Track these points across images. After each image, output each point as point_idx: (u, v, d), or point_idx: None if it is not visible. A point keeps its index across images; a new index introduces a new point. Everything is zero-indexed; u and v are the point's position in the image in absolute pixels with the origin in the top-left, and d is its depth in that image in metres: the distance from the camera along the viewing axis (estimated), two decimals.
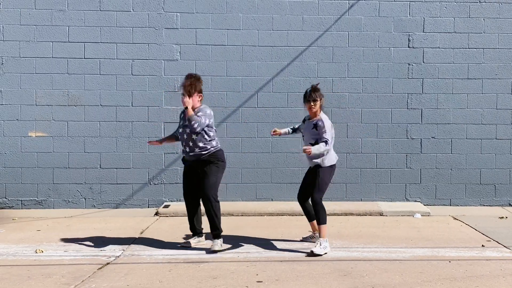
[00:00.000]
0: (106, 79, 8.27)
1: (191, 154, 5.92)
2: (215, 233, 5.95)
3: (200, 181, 5.94)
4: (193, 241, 6.14)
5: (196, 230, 6.20)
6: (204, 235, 6.27)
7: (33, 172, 8.28)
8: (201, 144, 5.88)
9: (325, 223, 5.82)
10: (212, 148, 5.95)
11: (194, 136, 5.87)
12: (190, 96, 5.87)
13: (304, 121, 6.15)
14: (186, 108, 5.83)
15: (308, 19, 8.34)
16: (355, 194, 8.46)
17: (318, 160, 5.85)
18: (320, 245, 5.71)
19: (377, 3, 8.34)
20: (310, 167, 6.07)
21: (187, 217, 6.24)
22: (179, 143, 6.12)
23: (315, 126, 5.85)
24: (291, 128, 6.38)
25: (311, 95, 5.86)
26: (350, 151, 8.40)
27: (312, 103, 5.87)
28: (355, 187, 8.45)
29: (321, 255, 5.64)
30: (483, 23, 8.41)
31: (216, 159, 5.97)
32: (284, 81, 8.36)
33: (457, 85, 8.43)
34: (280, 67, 8.34)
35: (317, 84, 6.03)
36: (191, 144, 5.89)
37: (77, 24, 8.23)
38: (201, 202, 6.05)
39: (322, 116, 5.93)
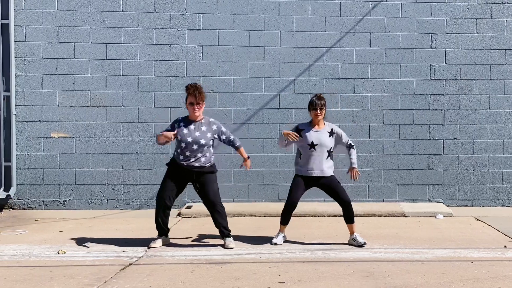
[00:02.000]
0: (128, 80, 8.28)
1: (196, 164, 5.99)
2: (228, 232, 6.12)
3: (205, 189, 6.05)
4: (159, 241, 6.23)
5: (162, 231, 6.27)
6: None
7: (56, 173, 8.29)
8: (208, 155, 6.07)
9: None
10: (212, 158, 6.16)
11: (205, 148, 6.01)
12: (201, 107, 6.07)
13: (298, 130, 6.18)
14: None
15: (331, 19, 8.34)
16: (378, 195, 8.45)
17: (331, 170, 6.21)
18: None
19: (399, 4, 8.34)
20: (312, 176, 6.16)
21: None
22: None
23: (331, 133, 6.14)
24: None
25: (318, 103, 6.09)
26: (373, 152, 8.40)
27: (319, 111, 6.07)
28: (377, 188, 8.44)
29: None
30: (505, 24, 8.40)
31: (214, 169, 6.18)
32: (307, 82, 8.36)
33: (479, 86, 8.42)
34: (303, 68, 8.34)
35: (320, 94, 6.26)
36: (199, 155, 5.98)
37: (99, 25, 8.23)
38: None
39: (328, 123, 6.24)
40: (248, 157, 6.31)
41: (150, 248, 6.00)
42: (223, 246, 6.06)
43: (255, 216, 7.81)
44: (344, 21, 8.35)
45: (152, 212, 8.00)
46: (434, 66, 8.40)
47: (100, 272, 5.10)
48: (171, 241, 6.33)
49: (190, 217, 7.76)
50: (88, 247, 6.07)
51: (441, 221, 7.59)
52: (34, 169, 8.27)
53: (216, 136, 6.10)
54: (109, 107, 8.28)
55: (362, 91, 8.36)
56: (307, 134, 6.10)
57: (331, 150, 6.14)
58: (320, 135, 6.08)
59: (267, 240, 6.39)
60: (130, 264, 5.37)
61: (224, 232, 6.09)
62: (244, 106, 8.30)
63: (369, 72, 8.38)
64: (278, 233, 6.30)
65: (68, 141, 8.29)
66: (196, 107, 5.98)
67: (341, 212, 6.23)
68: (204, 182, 6.02)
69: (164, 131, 6.10)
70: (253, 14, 8.30)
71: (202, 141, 5.94)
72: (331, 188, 6.14)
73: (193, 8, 8.27)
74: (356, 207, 7.80)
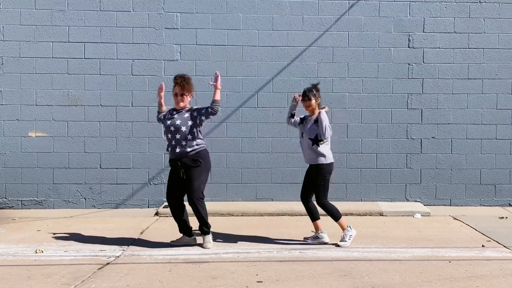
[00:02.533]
0: (106, 79, 8.27)
1: (177, 150, 5.98)
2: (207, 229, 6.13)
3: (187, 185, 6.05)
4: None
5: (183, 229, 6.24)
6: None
7: (33, 172, 8.28)
8: (190, 141, 6.05)
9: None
10: (198, 148, 6.06)
11: (184, 131, 5.99)
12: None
13: (303, 120, 6.25)
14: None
15: (308, 19, 8.34)
16: (355, 194, 8.46)
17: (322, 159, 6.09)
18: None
19: (377, 3, 8.34)
20: (310, 166, 6.15)
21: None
22: None
23: (316, 121, 6.08)
24: (299, 118, 6.36)
25: (306, 94, 6.13)
26: (350, 151, 8.40)
27: (307, 102, 6.10)
28: (355, 187, 8.45)
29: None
30: (483, 23, 8.41)
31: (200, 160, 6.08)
32: (284, 81, 8.36)
33: (457, 85, 8.43)
34: (280, 67, 8.34)
35: (317, 84, 6.29)
36: (182, 141, 5.97)
37: (77, 24, 8.23)
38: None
39: (322, 113, 6.13)
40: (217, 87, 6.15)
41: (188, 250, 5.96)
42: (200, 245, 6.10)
43: (232, 215, 7.81)
44: (322, 20, 8.35)
45: (130, 211, 8.16)
46: (412, 65, 8.41)
47: (78, 271, 5.10)
48: (149, 240, 6.37)
49: (168, 216, 7.71)
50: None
51: (419, 220, 7.60)
52: (11, 168, 8.27)
53: (195, 114, 5.99)
54: (86, 106, 8.28)
55: (339, 90, 8.36)
56: (301, 126, 6.26)
57: (318, 138, 6.02)
58: (307, 124, 6.14)
59: (245, 239, 6.42)
60: (108, 264, 5.38)
61: (203, 231, 6.11)
62: (222, 105, 8.23)
63: (347, 71, 8.38)
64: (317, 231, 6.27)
65: (46, 141, 8.28)
66: (180, 98, 6.01)
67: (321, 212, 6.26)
68: (188, 175, 5.94)
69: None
70: (231, 13, 8.30)
71: (178, 122, 5.92)
72: (309, 179, 6.21)
73: (171, 7, 8.27)
74: (336, 206, 7.86)
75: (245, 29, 8.31)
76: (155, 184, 8.36)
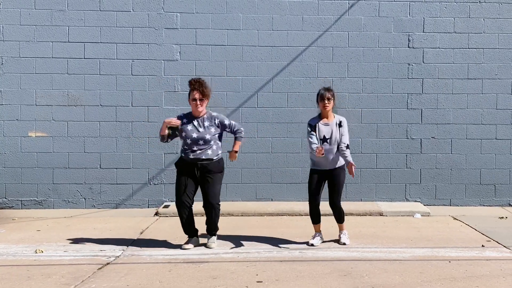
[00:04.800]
0: (106, 79, 8.27)
1: (203, 157, 5.95)
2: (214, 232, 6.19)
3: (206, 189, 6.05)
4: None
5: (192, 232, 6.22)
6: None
7: (33, 172, 8.28)
8: (215, 148, 6.05)
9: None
10: (220, 152, 6.14)
11: (212, 142, 5.98)
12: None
13: (313, 126, 6.12)
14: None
15: (308, 19, 8.34)
16: (355, 194, 8.46)
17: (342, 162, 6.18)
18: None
19: (377, 3, 8.34)
20: (326, 169, 6.12)
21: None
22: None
23: (340, 125, 6.10)
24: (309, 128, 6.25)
25: (325, 94, 6.03)
26: (350, 151, 8.35)
27: (327, 101, 6.01)
28: (355, 187, 8.45)
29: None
30: (483, 23, 8.41)
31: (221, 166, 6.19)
32: (284, 81, 8.36)
33: (457, 85, 8.43)
34: (280, 67, 8.34)
35: (329, 86, 6.25)
36: (207, 149, 5.97)
37: (77, 24, 8.23)
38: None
39: (338, 116, 6.19)
40: (236, 152, 6.17)
41: (184, 249, 5.95)
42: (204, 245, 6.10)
43: (232, 215, 7.81)
44: (322, 20, 8.35)
45: (130, 211, 8.15)
46: (412, 65, 8.41)
47: (78, 271, 5.10)
48: (149, 240, 6.37)
49: (168, 217, 7.76)
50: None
51: (418, 220, 7.60)
52: (11, 168, 8.27)
53: (219, 130, 6.03)
54: (86, 106, 8.28)
55: (339, 90, 8.33)
56: (318, 128, 6.07)
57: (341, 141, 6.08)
58: (329, 128, 6.04)
59: (245, 239, 6.42)
60: (108, 264, 5.38)
61: (210, 233, 6.15)
62: (222, 105, 8.29)
63: (347, 72, 8.38)
64: (315, 234, 6.27)
65: (46, 141, 8.28)
66: (199, 103, 5.90)
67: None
68: (207, 181, 5.95)
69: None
70: (230, 13, 8.30)
71: (207, 137, 5.90)
72: (333, 183, 6.11)
73: (171, 7, 8.27)
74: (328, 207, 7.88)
75: (245, 29, 8.31)
76: (155, 184, 8.36)
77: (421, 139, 8.47)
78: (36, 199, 8.31)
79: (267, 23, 8.32)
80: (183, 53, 8.31)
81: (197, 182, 6.00)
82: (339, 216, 6.22)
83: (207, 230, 6.13)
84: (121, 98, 8.29)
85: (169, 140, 6.11)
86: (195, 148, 5.90)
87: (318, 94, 6.11)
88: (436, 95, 8.42)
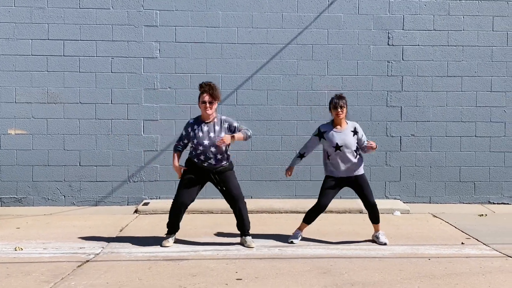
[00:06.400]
0: (85, 76, 8.27)
1: (216, 165, 5.94)
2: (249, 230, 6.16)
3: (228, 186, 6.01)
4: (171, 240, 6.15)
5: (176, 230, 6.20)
6: None
7: (13, 170, 8.28)
8: (225, 153, 6.03)
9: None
10: (229, 154, 6.12)
11: (223, 147, 5.94)
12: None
13: (321, 133, 6.08)
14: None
15: (288, 16, 8.34)
16: None
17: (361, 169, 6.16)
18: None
19: (356, 1, 8.35)
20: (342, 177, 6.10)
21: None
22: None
23: (355, 132, 6.07)
24: (298, 157, 6.27)
25: (339, 102, 5.98)
26: None
27: (340, 110, 5.96)
28: None
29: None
30: (462, 21, 8.42)
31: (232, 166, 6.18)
32: (264, 78, 8.37)
33: (437, 82, 8.44)
34: (260, 65, 8.34)
35: (341, 94, 6.16)
36: (218, 155, 5.93)
37: (56, 22, 8.22)
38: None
39: (351, 122, 6.18)
40: (233, 137, 5.94)
41: (164, 247, 5.93)
42: (242, 244, 6.05)
43: (212, 212, 7.81)
44: (301, 17, 8.35)
45: (109, 209, 8.14)
46: (391, 62, 8.42)
47: (57, 268, 5.09)
48: (128, 237, 6.36)
49: (147, 214, 7.76)
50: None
51: (398, 217, 7.61)
52: None
53: (226, 126, 5.99)
54: (66, 103, 8.27)
55: (319, 87, 8.36)
56: (330, 135, 6.00)
57: (357, 149, 6.07)
58: (343, 135, 5.99)
59: (224, 236, 6.43)
60: (87, 261, 5.37)
61: (245, 231, 6.12)
62: None
63: (326, 69, 8.39)
64: (297, 231, 6.25)
65: (25, 138, 8.28)
66: (208, 105, 5.85)
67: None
68: (225, 180, 5.95)
69: (176, 160, 6.01)
70: (210, 10, 8.30)
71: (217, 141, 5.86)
72: (359, 187, 6.10)
73: (150, 4, 8.27)
74: (313, 203, 7.87)
75: (225, 26, 8.31)
76: (134, 182, 8.36)
77: (400, 137, 8.47)
78: (15, 196, 8.30)
79: (247, 20, 8.32)
80: (163, 51, 8.31)
81: (203, 183, 6.01)
82: (377, 215, 6.19)
83: (241, 229, 6.11)
84: (101, 95, 8.29)
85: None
86: (207, 155, 5.85)
87: (330, 102, 6.03)
88: (416, 93, 8.43)
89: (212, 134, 5.86)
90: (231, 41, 8.32)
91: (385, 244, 6.06)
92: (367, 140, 6.10)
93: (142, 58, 8.30)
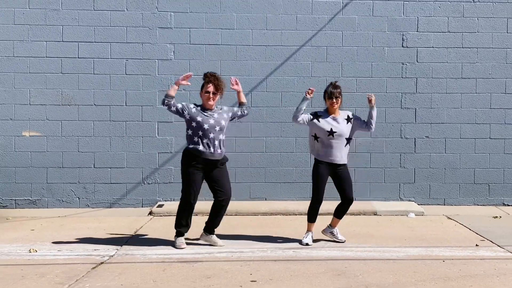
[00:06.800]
0: (100, 78, 8.27)
1: (218, 151, 5.93)
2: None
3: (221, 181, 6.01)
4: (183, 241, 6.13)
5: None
6: None
7: (27, 172, 8.28)
8: (224, 142, 6.04)
9: None
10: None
11: (224, 132, 5.98)
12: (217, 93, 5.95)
13: (317, 116, 6.10)
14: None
15: (302, 18, 8.34)
16: None
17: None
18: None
19: (371, 3, 8.35)
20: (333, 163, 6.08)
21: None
22: None
23: (348, 120, 6.11)
24: (309, 114, 6.21)
25: (334, 92, 6.03)
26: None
27: (335, 100, 6.02)
28: None
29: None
30: (476, 23, 8.42)
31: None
32: (278, 80, 8.37)
33: (451, 84, 8.44)
34: (274, 67, 8.34)
35: (335, 82, 6.17)
36: (219, 143, 5.93)
37: (71, 24, 8.22)
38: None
39: (344, 111, 6.20)
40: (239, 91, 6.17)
41: (180, 249, 5.91)
42: (212, 245, 6.10)
43: (226, 214, 7.74)
44: (316, 19, 8.35)
45: (124, 211, 8.14)
46: (406, 64, 8.41)
47: (72, 270, 5.09)
48: (143, 239, 6.38)
49: (162, 216, 7.76)
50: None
51: (412, 219, 7.60)
52: (5, 168, 8.26)
53: (230, 115, 6.04)
54: (80, 105, 8.27)
55: None
56: (325, 121, 6.04)
57: (350, 137, 6.10)
58: (338, 123, 6.03)
59: (239, 238, 6.42)
60: (102, 263, 5.37)
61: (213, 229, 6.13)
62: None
63: (341, 71, 8.39)
64: (307, 232, 6.24)
65: (40, 140, 8.28)
66: (211, 96, 5.84)
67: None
68: (221, 174, 5.97)
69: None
70: (224, 12, 8.30)
71: (223, 123, 5.91)
72: (342, 179, 6.08)
73: (165, 6, 8.27)
74: (328, 205, 7.82)
75: (239, 28, 8.31)
76: (148, 184, 8.36)
77: (415, 139, 8.47)
78: (30, 198, 8.30)
79: (261, 22, 8.32)
80: (177, 53, 8.31)
81: (202, 181, 5.97)
82: (346, 212, 6.24)
83: (210, 227, 6.09)
84: (115, 97, 8.29)
85: (172, 108, 5.88)
86: (216, 143, 5.82)
87: (325, 91, 6.07)
88: (430, 95, 8.43)
89: (216, 115, 5.89)
90: (246, 43, 8.31)
91: (343, 241, 6.18)
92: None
93: (157, 60, 8.30)
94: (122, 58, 8.27)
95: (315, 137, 6.06)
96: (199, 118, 5.83)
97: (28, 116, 8.25)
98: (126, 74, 8.29)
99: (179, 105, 5.90)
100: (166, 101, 5.85)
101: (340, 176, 6.08)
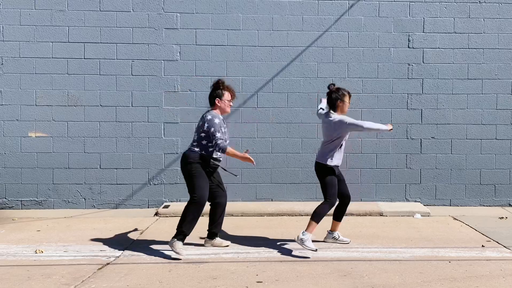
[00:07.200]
0: (106, 79, 8.27)
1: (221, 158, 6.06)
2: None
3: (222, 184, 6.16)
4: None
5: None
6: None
7: (33, 173, 8.28)
8: None
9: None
10: None
11: None
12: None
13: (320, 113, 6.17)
14: None
15: (308, 19, 8.34)
16: (355, 194, 8.36)
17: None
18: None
19: (377, 3, 8.34)
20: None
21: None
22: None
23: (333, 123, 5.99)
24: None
25: (348, 93, 6.10)
26: (350, 152, 8.37)
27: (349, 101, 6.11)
28: (355, 187, 8.37)
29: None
30: (483, 23, 8.41)
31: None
32: (284, 81, 8.36)
33: (457, 85, 8.43)
34: (280, 67, 8.34)
35: (330, 84, 6.14)
36: None
37: (77, 24, 8.23)
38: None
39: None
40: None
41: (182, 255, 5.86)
42: (213, 245, 6.12)
43: (232, 215, 7.80)
44: (322, 20, 8.35)
45: (130, 211, 8.14)
46: (412, 65, 8.41)
47: (78, 271, 5.11)
48: (149, 240, 6.38)
49: (168, 217, 7.76)
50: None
51: (418, 220, 7.59)
52: (11, 169, 8.27)
53: None
54: (86, 106, 8.27)
55: None
56: (321, 116, 6.18)
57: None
58: (330, 123, 6.00)
59: (245, 239, 6.42)
60: (108, 264, 5.39)
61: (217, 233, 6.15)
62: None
63: (347, 72, 8.38)
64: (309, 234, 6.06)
65: (46, 141, 8.28)
66: (231, 104, 6.12)
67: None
68: (220, 177, 6.14)
69: (237, 152, 5.86)
70: (230, 13, 8.30)
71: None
72: (341, 180, 6.09)
73: (171, 7, 8.27)
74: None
75: (245, 29, 8.31)
76: (154, 184, 8.36)
77: (421, 139, 8.46)
78: (36, 199, 8.31)
79: (267, 23, 8.32)
80: (183, 53, 8.31)
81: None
82: (345, 212, 6.25)
83: (214, 233, 6.10)
84: (121, 98, 8.29)
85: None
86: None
87: (344, 95, 5.98)
88: (436, 95, 8.42)
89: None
90: (252, 44, 8.31)
91: (348, 242, 6.16)
92: None
93: (163, 61, 8.30)
94: (128, 59, 8.27)
95: (340, 144, 5.97)
96: (226, 134, 6.02)
97: (34, 117, 8.25)
98: (132, 75, 8.29)
99: (224, 137, 5.88)
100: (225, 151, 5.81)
101: (339, 178, 6.08)
